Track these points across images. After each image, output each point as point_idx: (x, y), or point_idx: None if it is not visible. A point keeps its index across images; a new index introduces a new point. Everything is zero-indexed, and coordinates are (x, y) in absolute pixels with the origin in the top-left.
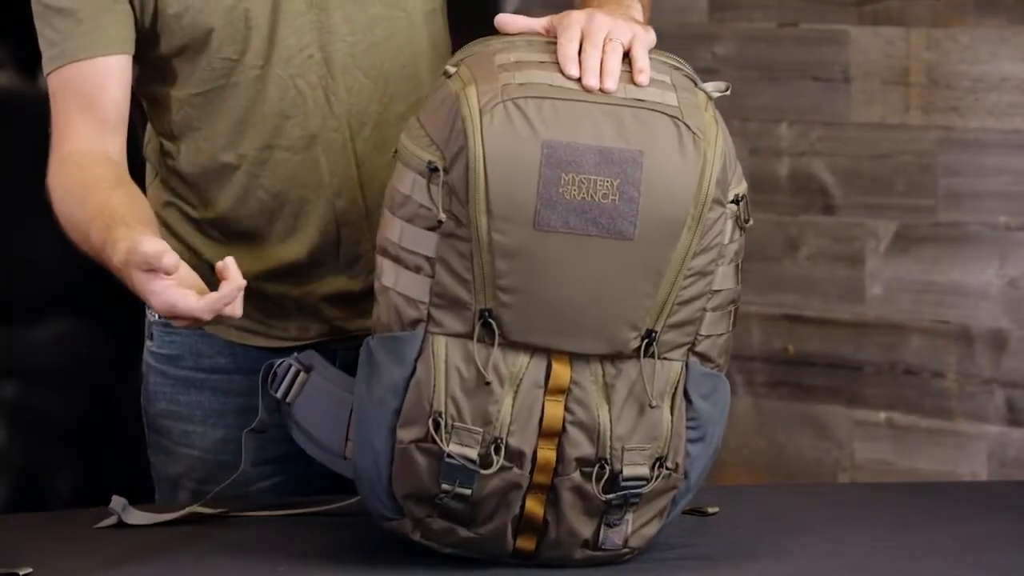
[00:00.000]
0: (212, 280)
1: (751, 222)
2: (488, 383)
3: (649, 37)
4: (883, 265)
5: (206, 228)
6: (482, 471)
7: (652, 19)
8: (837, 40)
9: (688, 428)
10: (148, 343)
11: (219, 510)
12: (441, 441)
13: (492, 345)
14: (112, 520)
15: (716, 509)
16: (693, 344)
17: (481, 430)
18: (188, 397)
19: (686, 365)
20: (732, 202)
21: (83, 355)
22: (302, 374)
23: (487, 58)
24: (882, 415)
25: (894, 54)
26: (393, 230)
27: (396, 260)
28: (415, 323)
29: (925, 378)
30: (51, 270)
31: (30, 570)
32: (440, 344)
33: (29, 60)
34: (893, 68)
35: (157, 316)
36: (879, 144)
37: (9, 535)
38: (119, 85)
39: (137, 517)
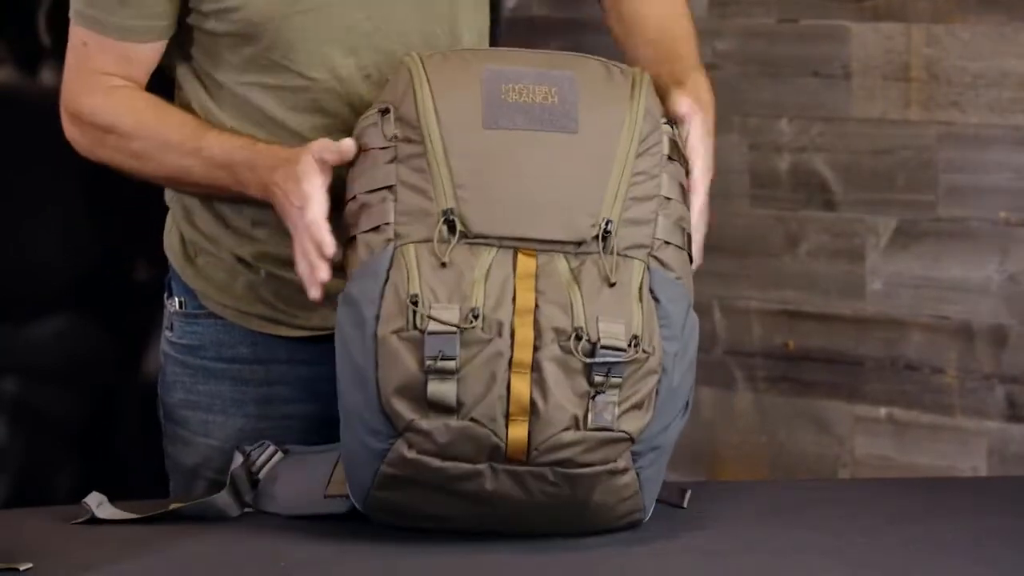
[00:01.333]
0: (236, 270)
1: (690, 170)
2: (444, 264)
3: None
4: (883, 261)
5: (230, 216)
6: (462, 328)
7: None
8: (837, 36)
9: (661, 326)
10: (167, 333)
11: (197, 501)
12: (420, 315)
13: (456, 237)
14: (86, 516)
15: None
16: (652, 248)
17: (458, 305)
18: (207, 387)
19: (648, 268)
20: (666, 122)
21: (83, 352)
22: (279, 453)
23: None
24: (882, 411)
25: (894, 50)
26: (353, 188)
27: (360, 210)
28: (385, 244)
29: (925, 374)
30: (52, 267)
31: (30, 565)
32: (409, 250)
33: (29, 56)
34: (893, 64)
35: (178, 307)
36: (879, 140)
37: (9, 530)
38: (148, 64)
39: (111, 513)
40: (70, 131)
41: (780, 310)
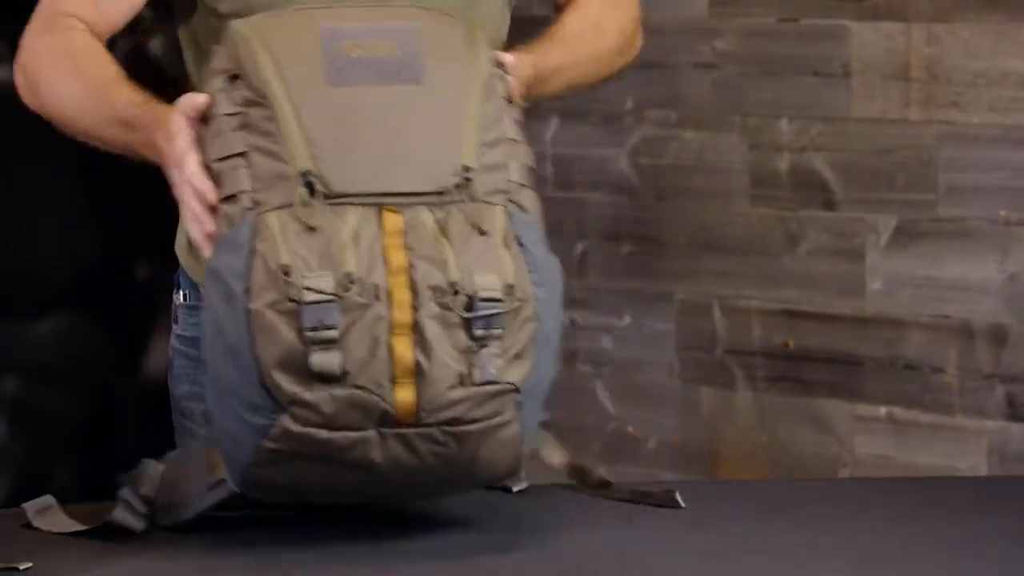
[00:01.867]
0: None
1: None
2: (312, 228)
3: None
4: (883, 260)
5: None
6: (341, 296)
7: (652, 13)
8: (837, 35)
9: (529, 271)
10: (174, 326)
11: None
12: (294, 286)
13: (318, 199)
14: (24, 522)
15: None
16: (509, 192)
17: (331, 271)
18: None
19: (509, 213)
20: (497, 66)
21: (84, 352)
22: (160, 467)
23: None
24: (882, 410)
25: (894, 49)
26: (206, 154)
27: (215, 179)
28: (243, 213)
29: (925, 373)
30: (52, 266)
31: (30, 565)
32: (271, 218)
33: None
34: (893, 63)
35: (183, 299)
36: (879, 139)
37: (9, 530)
38: (116, 15)
39: (48, 523)
40: (17, 77)
41: (780, 309)
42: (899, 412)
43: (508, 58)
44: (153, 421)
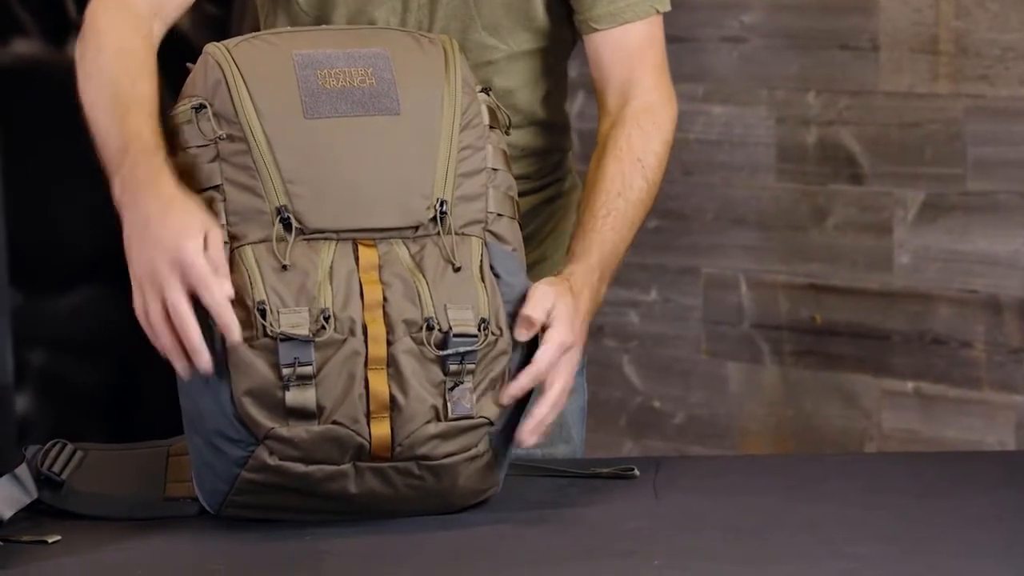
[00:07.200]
0: None
1: (510, 131)
2: (286, 266)
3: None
4: (911, 234)
5: None
6: (316, 339)
7: None
8: (866, 8)
9: (504, 301)
10: None
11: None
12: (270, 324)
13: (293, 236)
14: None
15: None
16: (486, 223)
17: (307, 307)
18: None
19: (485, 244)
20: (482, 91)
21: (110, 324)
22: (79, 452)
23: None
24: (910, 385)
25: (923, 22)
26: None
27: None
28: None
29: (953, 347)
30: (79, 239)
31: (58, 538)
32: (247, 252)
33: (54, 27)
34: (922, 36)
35: None
36: (907, 113)
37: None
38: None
39: None
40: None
41: (807, 284)
42: (926, 387)
43: (539, 313)
44: (178, 394)
